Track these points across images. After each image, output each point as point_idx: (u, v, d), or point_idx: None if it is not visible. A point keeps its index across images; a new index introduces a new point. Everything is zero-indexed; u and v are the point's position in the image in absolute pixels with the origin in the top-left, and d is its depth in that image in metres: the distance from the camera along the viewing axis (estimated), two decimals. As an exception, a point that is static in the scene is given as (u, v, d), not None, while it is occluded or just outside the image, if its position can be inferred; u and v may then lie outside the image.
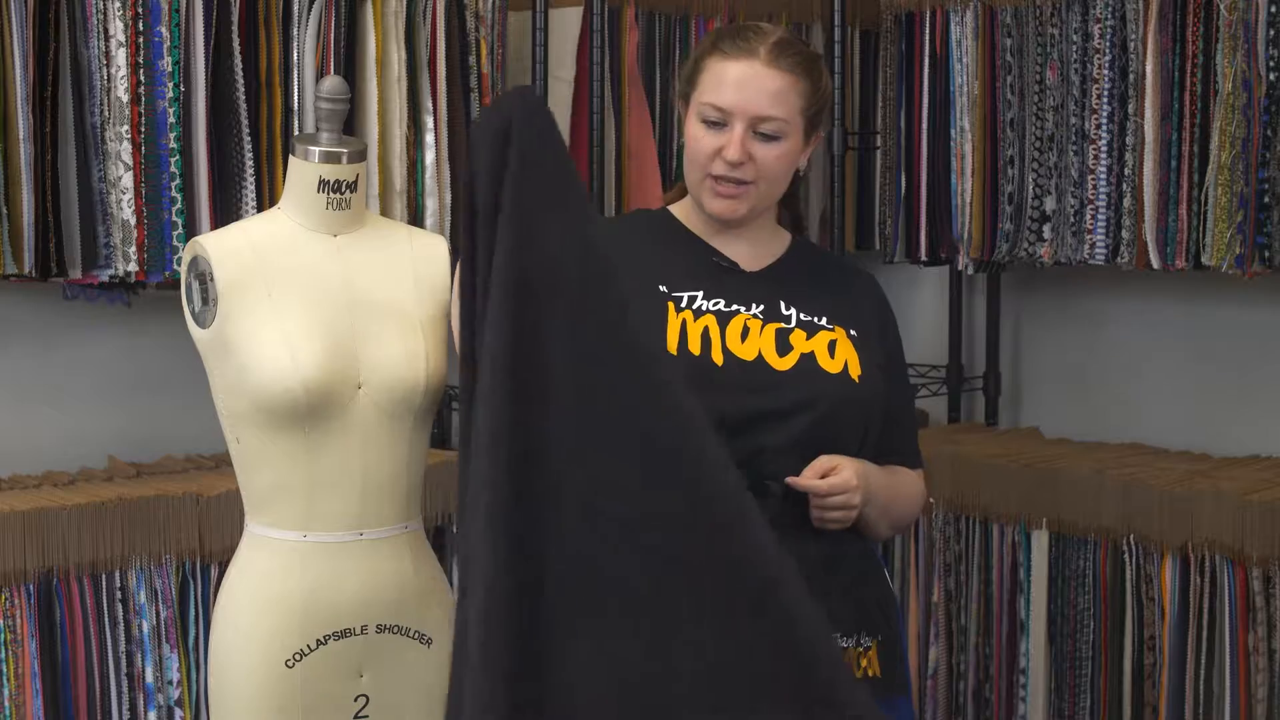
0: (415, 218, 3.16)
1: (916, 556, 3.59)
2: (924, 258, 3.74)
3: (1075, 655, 3.37)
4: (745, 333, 2.20)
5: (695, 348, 2.17)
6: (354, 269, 2.37)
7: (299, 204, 2.38)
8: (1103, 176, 3.38)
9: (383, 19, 3.10)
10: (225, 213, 2.95)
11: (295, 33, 3.02)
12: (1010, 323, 4.08)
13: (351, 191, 2.38)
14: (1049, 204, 3.47)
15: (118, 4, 2.83)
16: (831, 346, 2.23)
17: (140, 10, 2.85)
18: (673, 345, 2.16)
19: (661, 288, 2.21)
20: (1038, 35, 3.47)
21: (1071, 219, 3.42)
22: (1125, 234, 3.34)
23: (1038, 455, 3.56)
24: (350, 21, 3.06)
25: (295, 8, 3.01)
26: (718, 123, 2.21)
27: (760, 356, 2.19)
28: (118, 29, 2.83)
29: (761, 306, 2.24)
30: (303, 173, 2.36)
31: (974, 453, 3.60)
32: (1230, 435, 3.64)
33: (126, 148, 2.84)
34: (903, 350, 2.39)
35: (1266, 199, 3.10)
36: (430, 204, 3.18)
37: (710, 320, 2.20)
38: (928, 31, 3.67)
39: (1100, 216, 3.38)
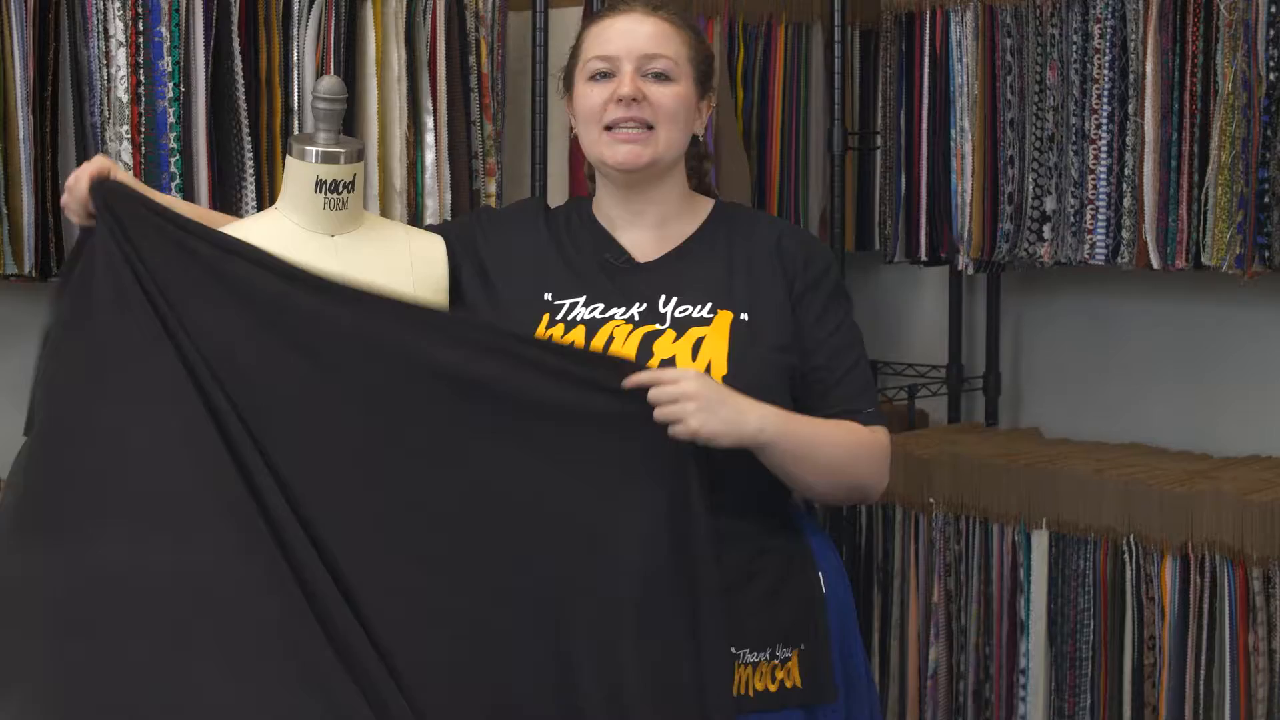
0: (415, 218, 3.16)
1: (916, 557, 3.59)
2: (924, 258, 3.74)
3: (1075, 655, 3.37)
4: (609, 344, 2.16)
5: None
6: (351, 269, 2.36)
7: (296, 204, 2.37)
8: (1103, 176, 3.37)
9: (383, 19, 3.10)
10: (225, 212, 2.94)
11: (295, 33, 3.01)
12: (1010, 323, 4.08)
13: (349, 192, 2.37)
14: (1049, 204, 3.47)
15: (118, 4, 2.83)
16: (697, 346, 2.16)
17: (140, 10, 2.84)
18: None
19: (546, 295, 2.21)
20: (1038, 35, 3.47)
21: (1071, 219, 3.42)
22: (1125, 234, 3.34)
23: (1038, 455, 3.56)
24: (350, 21, 3.06)
25: (295, 8, 3.01)
26: (606, 74, 2.21)
27: None
28: (118, 29, 2.83)
29: (643, 306, 2.20)
30: (300, 173, 2.36)
31: (974, 453, 3.59)
32: (1230, 435, 3.64)
33: (126, 148, 2.84)
34: (840, 306, 2.25)
35: (1266, 199, 3.09)
36: (430, 204, 3.18)
37: (579, 333, 2.17)
38: (928, 31, 3.67)
39: (1100, 216, 3.38)
